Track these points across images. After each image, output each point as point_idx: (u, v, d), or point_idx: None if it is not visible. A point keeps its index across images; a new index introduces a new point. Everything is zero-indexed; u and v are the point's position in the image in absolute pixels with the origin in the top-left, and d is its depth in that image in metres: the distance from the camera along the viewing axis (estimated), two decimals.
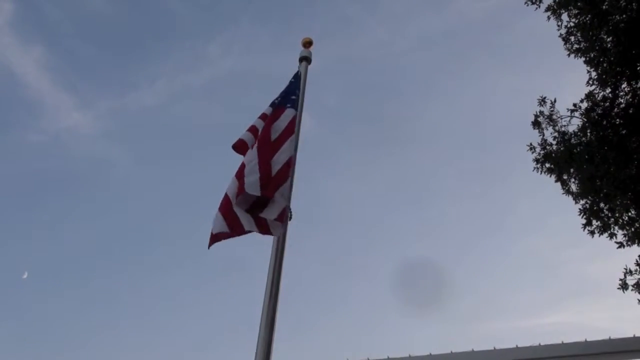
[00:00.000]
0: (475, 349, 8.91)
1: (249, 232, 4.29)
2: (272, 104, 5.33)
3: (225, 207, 4.33)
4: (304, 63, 5.79)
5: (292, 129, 5.05)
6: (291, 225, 4.59)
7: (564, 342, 8.73)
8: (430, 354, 9.02)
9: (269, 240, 4.43)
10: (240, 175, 4.50)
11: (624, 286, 8.14)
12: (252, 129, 5.03)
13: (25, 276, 17.43)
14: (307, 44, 5.81)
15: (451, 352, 8.93)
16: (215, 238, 4.24)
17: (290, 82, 5.63)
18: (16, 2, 18.86)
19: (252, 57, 19.59)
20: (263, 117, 5.17)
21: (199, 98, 20.60)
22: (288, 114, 5.16)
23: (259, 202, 4.40)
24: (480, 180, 18.91)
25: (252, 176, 4.45)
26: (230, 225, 4.25)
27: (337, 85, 17.92)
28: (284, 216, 4.40)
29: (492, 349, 8.85)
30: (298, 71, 5.73)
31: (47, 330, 19.44)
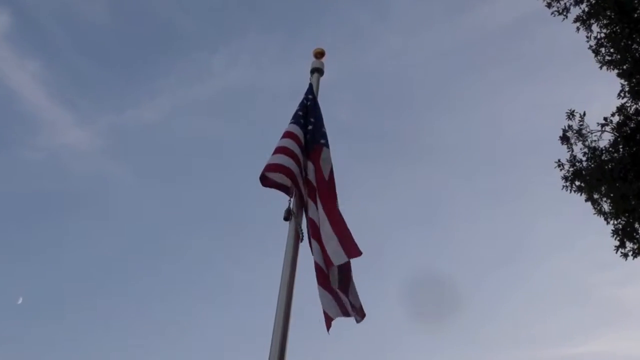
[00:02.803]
0: None
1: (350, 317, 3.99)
2: (297, 122, 4.73)
3: (325, 283, 3.92)
4: (315, 75, 5.33)
5: (333, 177, 4.48)
6: (302, 245, 4.12)
7: None
8: None
9: (277, 262, 4.00)
10: (316, 235, 4.00)
11: None
12: (290, 153, 4.36)
13: (20, 301, 17.11)
14: (319, 54, 5.37)
15: None
16: (330, 320, 3.87)
17: (308, 98, 5.08)
18: (13, 15, 18.61)
19: (258, 70, 19.10)
20: (292, 137, 4.53)
21: (202, 112, 20.21)
22: (326, 155, 4.56)
23: (344, 279, 4.02)
24: (499, 199, 18.35)
25: (332, 241, 3.94)
26: (342, 309, 3.94)
27: (348, 99, 17.45)
28: (362, 311, 4.07)
29: None
30: (310, 84, 5.28)
31: (47, 355, 19.11)
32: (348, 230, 3.98)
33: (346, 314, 3.92)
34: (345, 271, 4.00)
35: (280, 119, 5.16)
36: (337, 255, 3.86)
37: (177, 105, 20.15)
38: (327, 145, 4.63)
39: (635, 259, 8.17)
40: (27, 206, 19.76)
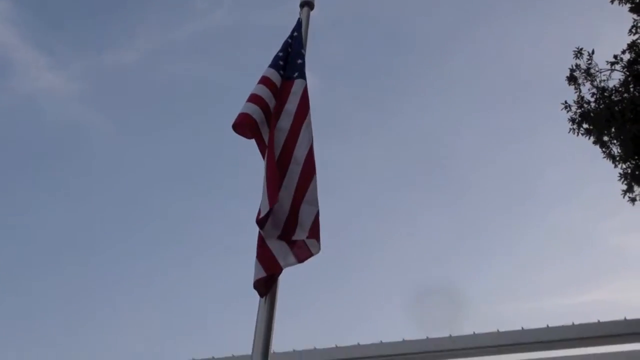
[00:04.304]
0: (477, 332, 8.40)
1: (289, 265, 3.66)
2: (275, 65, 4.42)
3: (259, 246, 3.66)
4: (305, 9, 4.98)
5: (306, 108, 4.21)
6: None
7: (601, 321, 8.10)
8: (404, 339, 8.57)
9: None
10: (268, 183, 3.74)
11: None
12: (259, 101, 4.11)
13: None
14: None
15: (450, 335, 8.45)
16: (258, 286, 3.59)
17: (293, 36, 4.72)
18: None
19: (245, 8, 18.06)
20: (267, 82, 4.25)
21: (184, 55, 19.26)
22: (297, 87, 4.29)
23: (289, 219, 3.72)
24: (503, 144, 17.90)
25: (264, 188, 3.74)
26: (266, 266, 3.60)
27: (343, 35, 16.64)
28: (318, 229, 3.73)
29: (495, 331, 8.35)
30: (299, 19, 4.87)
31: (26, 319, 18.98)
32: (274, 170, 3.77)
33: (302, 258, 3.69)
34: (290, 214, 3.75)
35: (269, 61, 4.79)
36: (264, 205, 3.66)
37: (158, 46, 19.30)
38: (301, 77, 4.35)
39: None
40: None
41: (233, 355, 8.90)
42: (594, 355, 8.66)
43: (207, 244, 19.63)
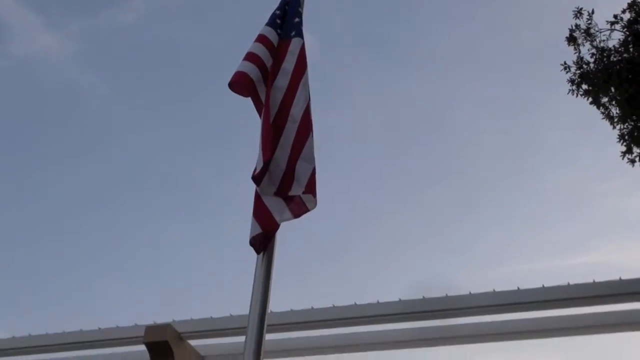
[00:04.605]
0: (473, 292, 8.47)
1: (285, 220, 3.74)
2: (273, 24, 4.41)
3: (256, 203, 3.74)
4: None
5: (303, 67, 4.20)
6: None
7: (596, 281, 8.15)
8: (400, 299, 8.63)
9: None
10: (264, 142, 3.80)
11: None
12: (256, 59, 4.11)
13: None
14: None
15: (447, 294, 8.51)
16: (254, 243, 3.65)
17: None
18: None
19: None
20: (264, 41, 4.24)
21: (182, 16, 18.89)
22: (294, 46, 4.27)
23: (285, 175, 3.79)
24: (504, 108, 17.76)
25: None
26: (262, 222, 3.65)
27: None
28: (314, 184, 3.81)
29: (492, 290, 8.42)
30: None
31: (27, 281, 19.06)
32: (268, 127, 3.83)
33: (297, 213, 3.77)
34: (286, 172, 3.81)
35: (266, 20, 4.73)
36: (259, 161, 3.73)
37: (155, 7, 19.00)
38: (299, 35, 4.33)
39: None
40: None
41: (231, 315, 8.98)
42: (590, 314, 8.75)
43: (204, 203, 19.68)
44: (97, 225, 19.40)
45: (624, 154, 8.00)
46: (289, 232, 4.06)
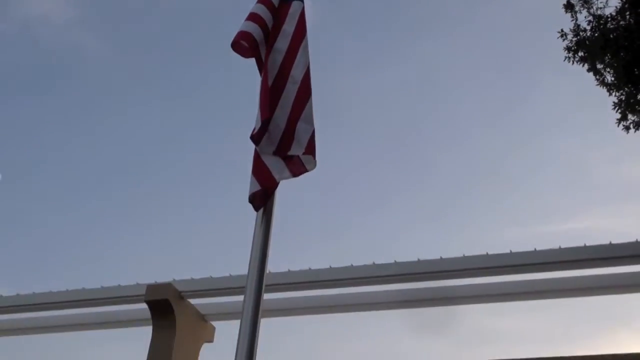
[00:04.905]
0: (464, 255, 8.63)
1: (284, 179, 3.78)
2: None
3: (255, 161, 3.77)
4: None
5: (303, 30, 4.24)
6: None
7: (587, 244, 8.32)
8: (395, 261, 8.83)
9: None
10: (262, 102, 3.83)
11: None
12: (258, 20, 4.11)
13: None
14: None
15: (418, 259, 8.69)
16: (253, 200, 3.67)
17: None
18: None
19: None
20: (266, 2, 4.25)
21: None
22: (295, 9, 4.30)
23: (285, 135, 3.84)
24: (498, 72, 17.74)
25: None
26: (261, 180, 3.69)
27: None
28: (314, 146, 3.87)
29: (485, 253, 8.60)
30: None
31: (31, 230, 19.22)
32: (266, 88, 3.87)
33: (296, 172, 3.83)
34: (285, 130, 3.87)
35: None
36: (257, 121, 3.76)
37: None
38: None
39: (636, 131, 7.96)
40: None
41: (230, 275, 9.16)
42: (580, 277, 8.95)
43: (204, 163, 19.80)
44: (99, 186, 19.60)
45: (619, 121, 8.06)
46: (288, 193, 4.19)
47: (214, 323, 10.10)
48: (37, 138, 19.54)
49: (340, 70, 16.60)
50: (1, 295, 10.23)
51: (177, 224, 18.94)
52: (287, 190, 4.01)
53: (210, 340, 10.01)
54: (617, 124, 7.99)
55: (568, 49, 8.37)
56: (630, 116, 7.93)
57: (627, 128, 7.96)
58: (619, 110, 7.99)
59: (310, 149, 3.84)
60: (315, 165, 3.85)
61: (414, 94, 18.17)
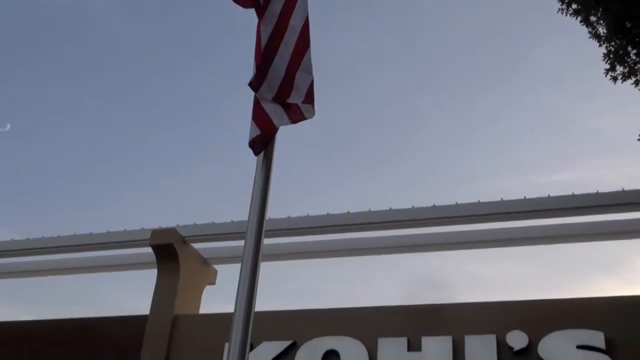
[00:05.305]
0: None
1: (283, 125, 3.83)
2: None
3: (255, 107, 3.82)
4: None
5: None
6: None
7: (575, 193, 8.61)
8: (390, 208, 9.10)
9: None
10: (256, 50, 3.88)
11: None
12: None
13: (7, 128, 17.17)
14: None
15: (434, 205, 8.96)
16: (253, 145, 3.74)
17: None
18: None
19: None
20: None
21: None
22: None
23: (284, 82, 3.88)
24: (491, 26, 17.73)
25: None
26: (260, 125, 3.74)
27: None
28: (312, 95, 3.94)
29: (477, 201, 8.85)
30: None
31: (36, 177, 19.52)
32: (259, 35, 3.91)
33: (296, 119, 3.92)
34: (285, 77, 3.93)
35: None
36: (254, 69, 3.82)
37: None
38: None
39: (624, 82, 8.14)
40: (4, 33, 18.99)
41: (232, 221, 9.47)
42: (569, 225, 9.27)
43: (205, 111, 20.00)
44: (106, 133, 19.85)
45: (607, 71, 8.20)
46: (288, 139, 4.34)
47: (216, 266, 10.46)
48: (47, 87, 19.74)
49: (337, 26, 16.65)
50: (13, 240, 10.59)
51: (181, 171, 19.29)
52: (288, 136, 4.16)
53: (213, 283, 10.37)
54: (605, 75, 8.14)
55: (561, 0, 8.45)
56: (618, 67, 8.08)
57: (614, 79, 8.10)
58: (608, 62, 8.13)
59: (309, 98, 3.92)
60: (314, 114, 3.93)
61: (411, 50, 18.23)
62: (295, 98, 3.90)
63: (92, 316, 9.96)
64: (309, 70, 3.99)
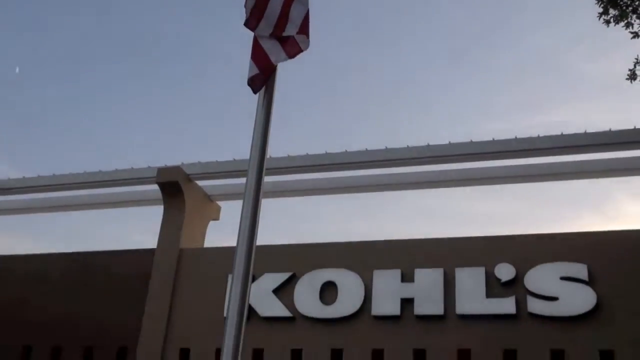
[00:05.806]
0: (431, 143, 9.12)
1: (281, 61, 3.95)
2: None
3: (254, 46, 3.94)
4: None
5: None
6: None
7: (564, 133, 8.86)
8: (386, 147, 9.35)
9: None
10: None
11: (632, 77, 7.93)
12: None
13: (17, 71, 17.27)
14: None
15: (428, 144, 9.20)
16: (252, 83, 3.87)
17: None
18: None
19: None
20: None
21: None
22: None
23: (280, 16, 3.97)
24: None
25: None
26: (259, 63, 3.87)
27: None
28: (307, 26, 4.01)
29: (469, 141, 9.06)
30: None
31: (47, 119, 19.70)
32: None
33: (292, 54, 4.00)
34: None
35: None
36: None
37: None
38: None
39: (616, 25, 8.30)
40: None
41: (234, 159, 9.74)
42: (559, 163, 9.55)
43: (207, 54, 20.05)
44: (112, 72, 19.96)
45: (600, 14, 8.35)
46: (288, 77, 4.51)
47: (220, 203, 10.81)
48: (49, 27, 19.76)
49: None
50: (24, 177, 10.91)
51: (186, 109, 19.47)
52: (289, 77, 4.37)
53: (217, 219, 10.75)
54: (598, 18, 8.30)
55: None
56: (611, 10, 8.23)
57: (607, 22, 8.26)
58: (601, 5, 8.29)
59: (304, 29, 3.98)
60: (308, 45, 4.00)
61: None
62: (291, 30, 3.95)
63: (102, 249, 10.39)
64: (304, 1, 4.03)
